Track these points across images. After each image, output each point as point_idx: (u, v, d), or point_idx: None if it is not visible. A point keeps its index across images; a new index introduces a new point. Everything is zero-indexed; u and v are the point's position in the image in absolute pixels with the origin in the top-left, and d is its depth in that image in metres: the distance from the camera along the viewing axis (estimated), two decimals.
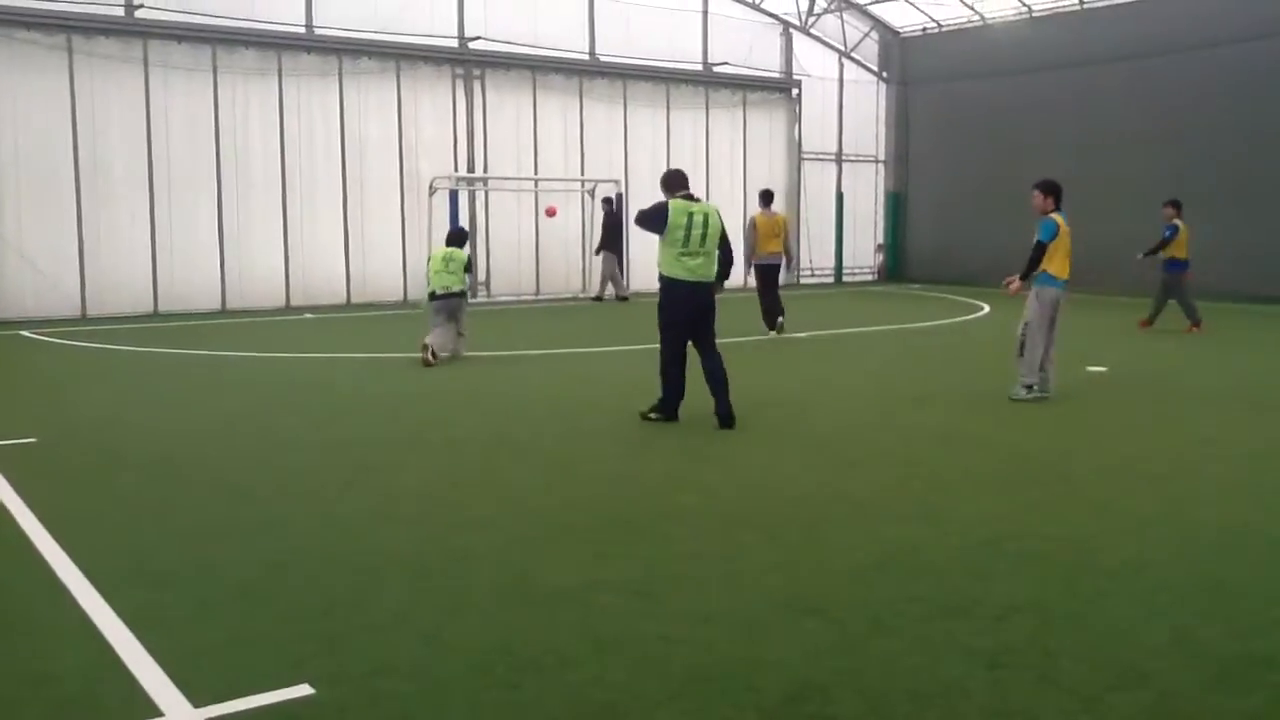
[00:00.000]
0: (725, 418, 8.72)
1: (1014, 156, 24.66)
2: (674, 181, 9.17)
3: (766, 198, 16.72)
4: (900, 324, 17.36)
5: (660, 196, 9.10)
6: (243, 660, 4.15)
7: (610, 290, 22.10)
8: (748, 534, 5.81)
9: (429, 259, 13.66)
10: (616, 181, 22.79)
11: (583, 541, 5.69)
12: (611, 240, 21.81)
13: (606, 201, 22.05)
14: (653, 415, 8.99)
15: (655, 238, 8.94)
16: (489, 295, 22.36)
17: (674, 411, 8.97)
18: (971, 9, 25.90)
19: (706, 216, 8.82)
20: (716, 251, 8.94)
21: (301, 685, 3.88)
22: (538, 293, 22.74)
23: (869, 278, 28.64)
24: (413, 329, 16.72)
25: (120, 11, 18.40)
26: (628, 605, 4.72)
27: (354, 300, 20.74)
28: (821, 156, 27.92)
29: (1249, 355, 14.06)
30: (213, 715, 3.69)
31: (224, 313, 18.96)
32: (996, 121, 25.42)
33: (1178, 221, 15.87)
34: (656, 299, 9.03)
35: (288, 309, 19.72)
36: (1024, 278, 10.04)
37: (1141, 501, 6.58)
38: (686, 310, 8.83)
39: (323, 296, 20.23)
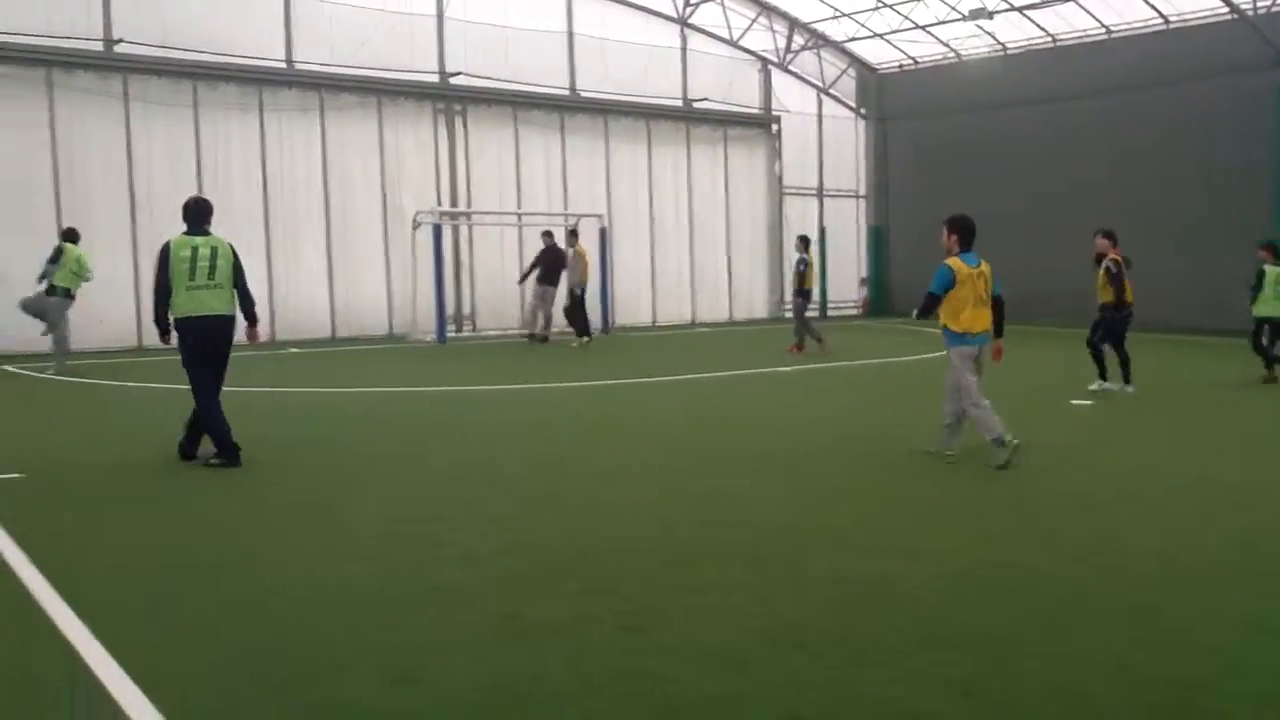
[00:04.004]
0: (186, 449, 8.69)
1: (990, 190, 24.96)
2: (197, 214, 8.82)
3: (576, 236, 20.19)
4: (881, 358, 17.43)
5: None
6: (214, 691, 4.13)
7: (540, 325, 20.35)
8: (732, 567, 5.81)
9: (70, 256, 14.99)
10: (600, 215, 22.90)
11: (568, 575, 5.67)
12: (549, 275, 20.15)
13: (546, 235, 20.51)
14: (215, 461, 8.49)
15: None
16: (474, 329, 22.38)
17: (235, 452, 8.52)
18: (946, 46, 26.24)
19: (214, 249, 8.57)
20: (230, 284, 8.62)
21: None
22: (522, 326, 22.74)
23: (854, 311, 28.80)
24: (405, 362, 16.81)
25: (100, 46, 18.45)
26: (615, 640, 4.71)
27: (339, 334, 20.73)
28: (803, 191, 28.15)
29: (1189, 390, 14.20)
30: None
31: None
32: (972, 155, 25.72)
33: (806, 255, 18.26)
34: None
35: (272, 343, 19.65)
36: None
37: (1083, 530, 6.64)
38: (202, 344, 8.54)
39: (307, 330, 20.19)
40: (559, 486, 7.94)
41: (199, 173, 19.30)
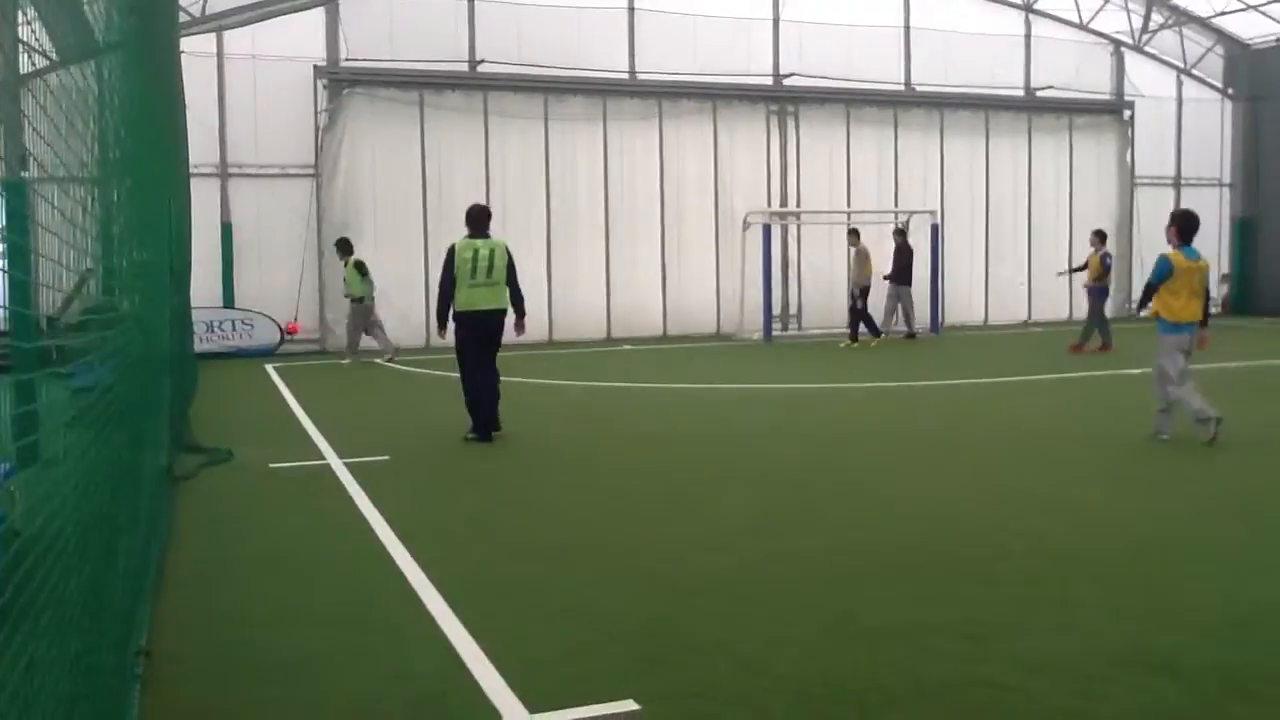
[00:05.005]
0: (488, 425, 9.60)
1: None
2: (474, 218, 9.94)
3: (856, 235, 19.63)
4: (1244, 360, 15.85)
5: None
6: (572, 673, 4.36)
7: (900, 324, 20.78)
8: (1081, 580, 5.48)
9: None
10: (932, 212, 22.27)
11: (905, 580, 5.56)
12: (901, 273, 20.55)
13: (898, 233, 20.89)
14: (470, 436, 9.63)
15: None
16: (799, 328, 22.40)
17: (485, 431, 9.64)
18: None
19: (492, 250, 9.59)
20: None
21: (627, 701, 4.03)
22: (848, 326, 22.47)
23: (1213, 310, 26.32)
24: (734, 360, 17.12)
25: (464, 67, 20.00)
26: (954, 648, 4.57)
27: (670, 333, 21.38)
28: (1157, 181, 26.09)
29: None
30: None
31: (550, 344, 19.92)
32: None
33: (1108, 250, 17.96)
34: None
35: (608, 340, 20.58)
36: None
37: None
38: (476, 336, 9.62)
39: (640, 329, 20.98)
40: (898, 487, 7.79)
41: (548, 180, 20.48)
